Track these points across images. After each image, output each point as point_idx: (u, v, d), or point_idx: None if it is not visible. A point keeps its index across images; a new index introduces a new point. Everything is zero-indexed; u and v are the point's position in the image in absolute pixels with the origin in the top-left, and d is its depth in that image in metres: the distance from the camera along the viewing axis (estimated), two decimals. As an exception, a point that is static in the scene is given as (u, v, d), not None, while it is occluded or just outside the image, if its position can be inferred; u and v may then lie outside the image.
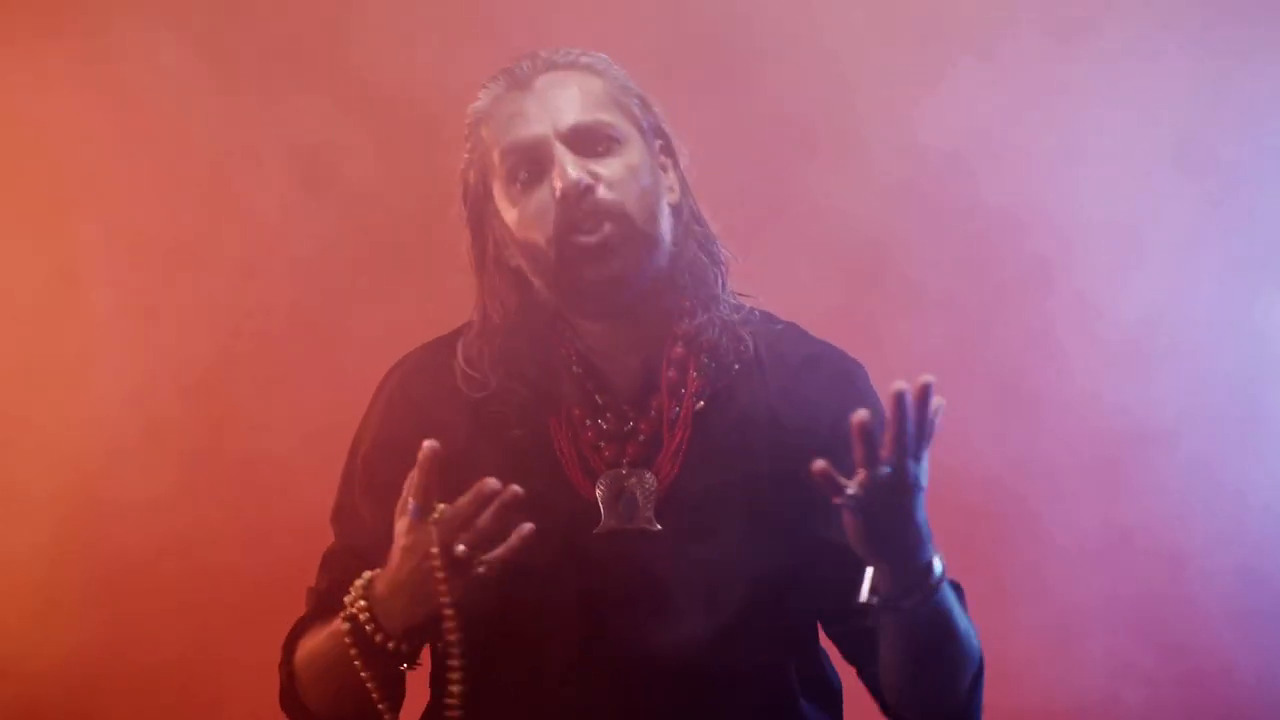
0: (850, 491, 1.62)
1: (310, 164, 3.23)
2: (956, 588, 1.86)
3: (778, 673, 1.97)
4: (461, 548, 1.69)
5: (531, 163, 1.88)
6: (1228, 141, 3.32)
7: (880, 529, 1.66)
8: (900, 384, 1.60)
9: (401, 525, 1.73)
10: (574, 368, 1.94)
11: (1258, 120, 3.31)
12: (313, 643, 1.88)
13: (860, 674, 1.99)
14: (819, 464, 1.62)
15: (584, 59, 1.95)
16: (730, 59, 3.29)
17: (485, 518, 1.70)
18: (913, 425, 1.62)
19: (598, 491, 1.91)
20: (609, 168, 1.87)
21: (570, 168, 1.84)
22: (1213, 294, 3.32)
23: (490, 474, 1.85)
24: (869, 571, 1.72)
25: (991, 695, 1.93)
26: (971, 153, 3.28)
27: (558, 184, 1.84)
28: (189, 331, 3.21)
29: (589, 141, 1.88)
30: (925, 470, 1.65)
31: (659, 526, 1.90)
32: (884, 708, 1.96)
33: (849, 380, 1.99)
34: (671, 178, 1.96)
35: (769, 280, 2.08)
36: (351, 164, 3.22)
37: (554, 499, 1.89)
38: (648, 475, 1.91)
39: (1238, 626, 3.26)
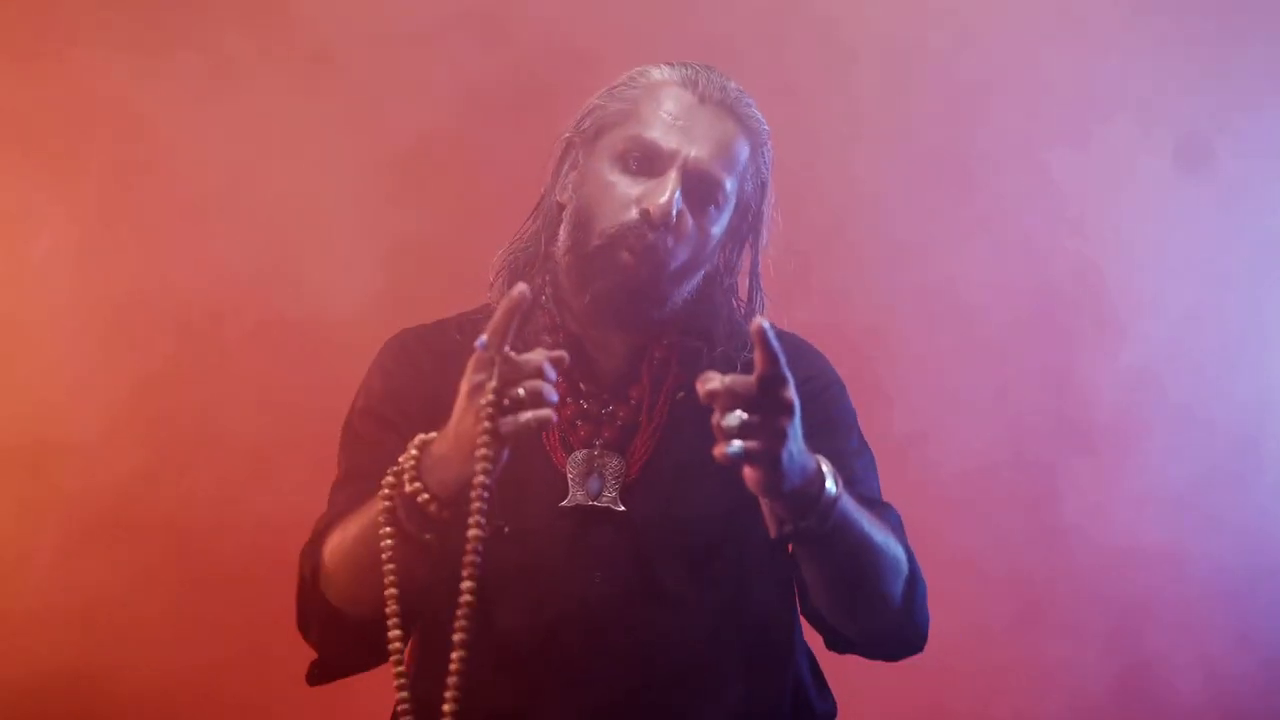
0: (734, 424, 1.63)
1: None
2: (888, 509, 1.94)
3: (744, 665, 1.97)
4: (521, 391, 1.66)
5: (648, 160, 1.94)
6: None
7: (763, 460, 1.65)
8: (760, 320, 1.62)
9: (469, 368, 1.70)
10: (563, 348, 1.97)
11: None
12: (346, 528, 1.87)
13: (800, 602, 2.03)
14: (757, 323, 1.62)
15: (754, 117, 2.00)
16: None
17: (539, 371, 1.68)
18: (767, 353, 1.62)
19: (569, 467, 1.95)
20: (693, 220, 1.93)
21: (669, 197, 1.90)
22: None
23: None
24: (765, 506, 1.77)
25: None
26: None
27: (657, 199, 1.90)
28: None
29: (699, 185, 1.94)
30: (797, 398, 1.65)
31: (623, 507, 1.94)
32: (828, 640, 2.01)
33: (805, 356, 2.06)
34: (729, 254, 2.03)
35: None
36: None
37: (530, 465, 1.93)
38: (617, 458, 1.96)
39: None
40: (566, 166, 2.03)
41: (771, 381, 1.62)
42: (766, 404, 1.63)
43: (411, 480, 1.74)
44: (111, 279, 3.15)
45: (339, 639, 1.92)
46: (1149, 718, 3.37)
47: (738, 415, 1.62)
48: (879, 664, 2.05)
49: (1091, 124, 3.41)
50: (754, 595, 1.99)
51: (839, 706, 2.10)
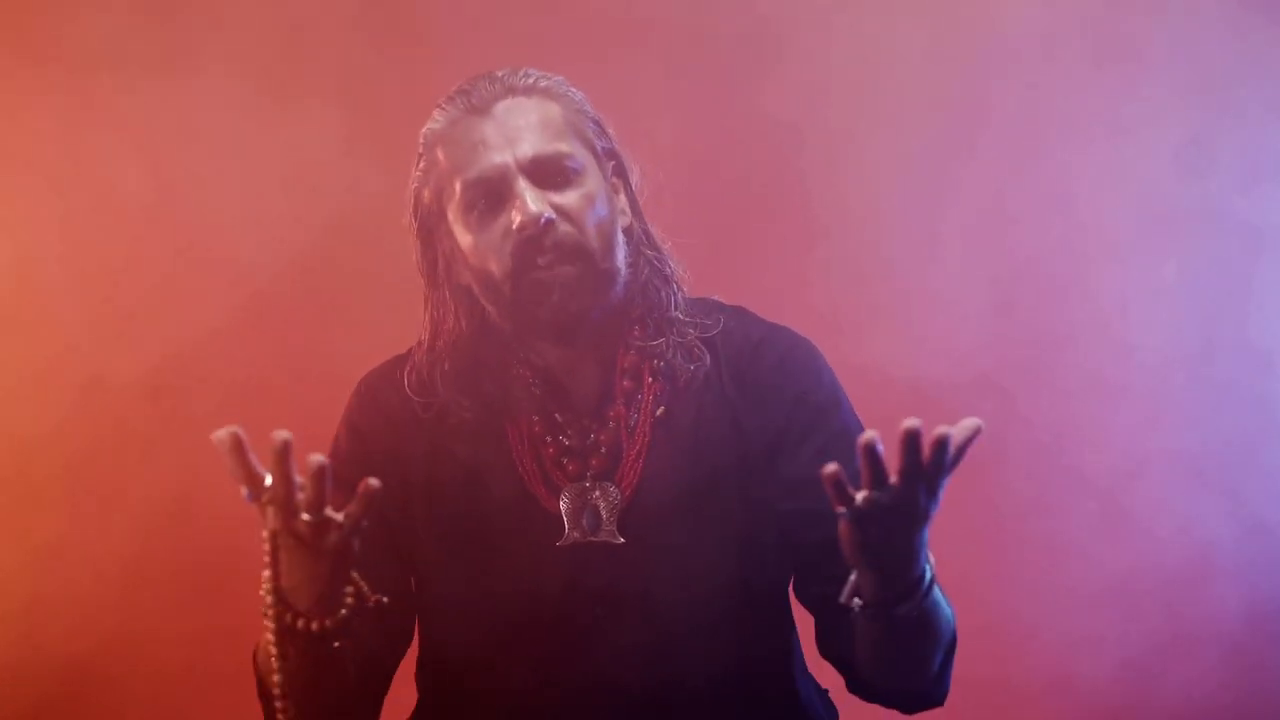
0: (854, 504, 1.56)
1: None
2: None
3: (757, 681, 1.97)
4: (306, 517, 1.58)
5: (491, 194, 1.87)
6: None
7: (873, 546, 1.60)
8: (911, 422, 1.52)
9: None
10: (532, 387, 1.94)
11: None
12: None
13: (819, 635, 1.97)
14: (830, 468, 1.54)
15: (542, 82, 1.93)
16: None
17: (306, 486, 1.58)
18: (928, 460, 1.54)
19: (561, 504, 1.91)
20: (567, 198, 1.87)
21: (531, 202, 1.84)
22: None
23: (452, 488, 1.93)
24: (852, 575, 1.69)
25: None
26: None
27: (517, 217, 1.84)
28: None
29: (548, 173, 1.87)
30: (938, 501, 1.58)
31: (622, 539, 1.90)
32: (850, 685, 1.95)
33: (796, 359, 1.98)
34: (623, 200, 1.96)
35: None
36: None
37: (517, 511, 1.91)
38: (611, 488, 1.91)
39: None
40: (437, 255, 1.94)
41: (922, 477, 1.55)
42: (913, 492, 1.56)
43: (282, 613, 1.65)
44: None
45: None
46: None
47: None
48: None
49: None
50: (758, 620, 1.96)
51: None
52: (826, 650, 1.96)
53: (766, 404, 1.94)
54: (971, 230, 3.33)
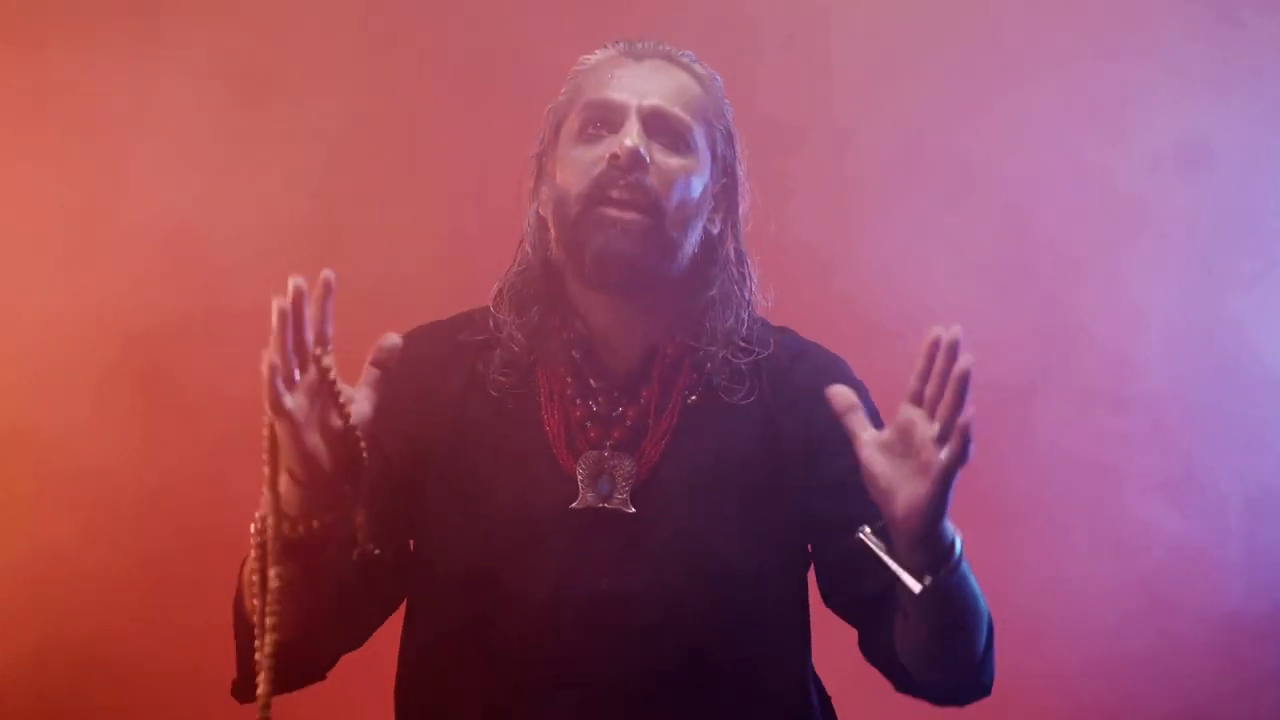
0: (942, 459, 1.60)
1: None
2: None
3: (762, 673, 1.95)
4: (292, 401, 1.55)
5: (605, 122, 1.92)
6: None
7: (943, 501, 1.62)
8: (948, 333, 1.61)
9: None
10: (573, 351, 1.96)
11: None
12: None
13: (862, 641, 1.98)
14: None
15: (699, 68, 2.00)
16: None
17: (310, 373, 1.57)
18: (948, 386, 1.60)
19: (578, 469, 1.92)
20: (669, 160, 1.90)
21: (633, 138, 1.88)
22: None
23: (476, 431, 1.93)
24: (892, 562, 1.70)
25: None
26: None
27: (615, 145, 1.88)
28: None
29: (663, 130, 1.91)
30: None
31: (633, 509, 1.90)
32: (898, 684, 1.95)
33: (835, 371, 2.01)
34: (720, 213, 2.00)
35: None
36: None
37: (537, 468, 1.92)
38: (628, 460, 1.92)
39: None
40: (540, 185, 2.00)
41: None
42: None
43: (275, 522, 1.61)
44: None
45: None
46: None
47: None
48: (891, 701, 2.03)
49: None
50: (766, 611, 1.95)
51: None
52: (872, 654, 1.97)
53: (804, 410, 1.95)
54: (972, 230, 3.34)
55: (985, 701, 1.92)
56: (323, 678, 1.91)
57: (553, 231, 1.94)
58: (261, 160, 3.24)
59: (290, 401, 1.55)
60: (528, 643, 1.88)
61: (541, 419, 1.94)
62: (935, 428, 1.62)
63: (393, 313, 2.11)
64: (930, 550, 1.67)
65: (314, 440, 1.58)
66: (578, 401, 1.95)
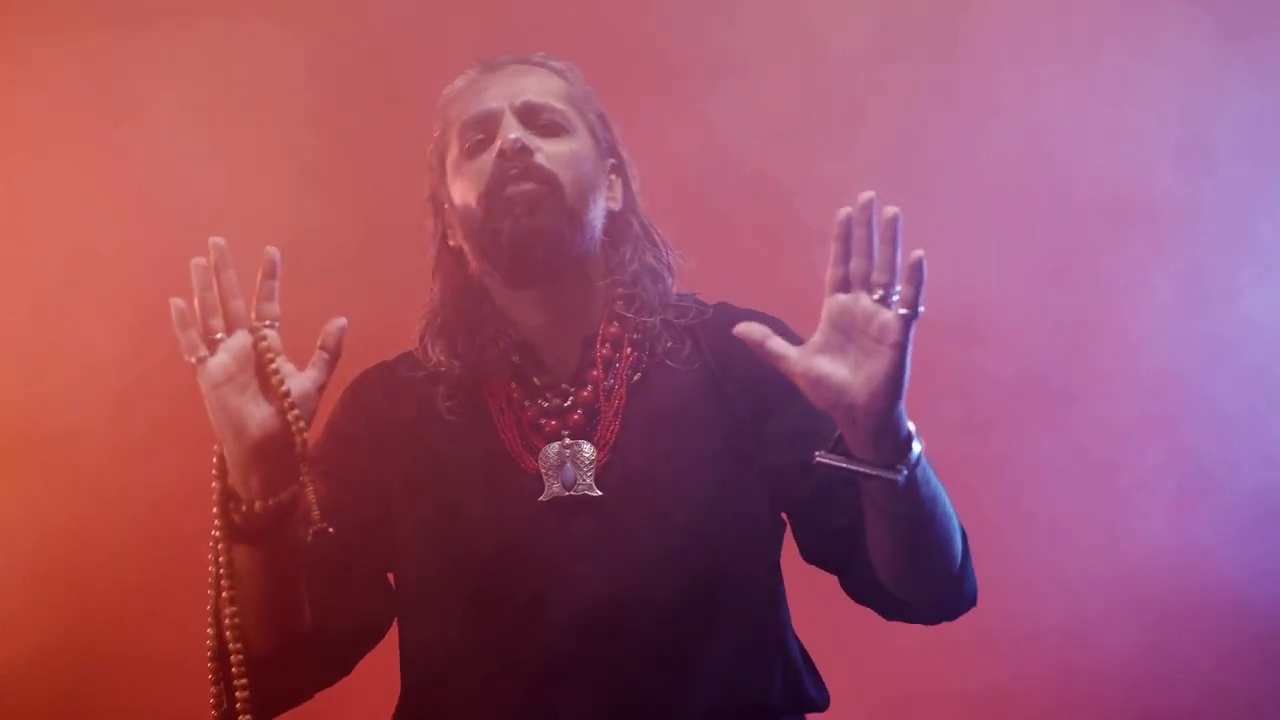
0: (901, 312, 1.60)
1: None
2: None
3: (741, 640, 1.96)
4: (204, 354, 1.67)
5: (484, 131, 1.98)
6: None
7: (904, 366, 1.62)
8: (891, 209, 1.60)
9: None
10: (513, 357, 2.01)
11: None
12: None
13: (845, 581, 1.99)
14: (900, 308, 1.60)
15: (554, 63, 2.08)
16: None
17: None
18: (878, 242, 1.62)
19: (539, 464, 1.96)
20: (554, 145, 1.97)
21: (512, 130, 1.95)
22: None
23: (434, 456, 1.97)
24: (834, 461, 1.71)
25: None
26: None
27: (498, 142, 1.94)
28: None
29: (539, 121, 1.98)
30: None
31: (599, 492, 1.94)
32: (884, 610, 1.97)
33: (775, 329, 2.01)
34: (616, 191, 2.06)
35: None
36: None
37: (501, 476, 1.96)
38: (586, 445, 1.96)
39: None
40: (438, 223, 2.06)
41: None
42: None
43: (229, 508, 1.70)
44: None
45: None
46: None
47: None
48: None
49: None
50: (739, 574, 1.96)
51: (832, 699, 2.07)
52: (856, 589, 1.99)
53: (749, 370, 1.96)
54: (971, 230, 3.33)
55: (988, 701, 1.92)
56: (309, 697, 1.93)
57: (466, 247, 2.00)
58: (278, 168, 3.25)
59: (205, 353, 1.66)
60: (521, 640, 1.90)
61: (496, 429, 1.98)
62: (877, 291, 1.62)
63: (394, 313, 2.17)
64: (893, 438, 1.67)
65: (236, 403, 1.65)
66: (526, 404, 1.99)
